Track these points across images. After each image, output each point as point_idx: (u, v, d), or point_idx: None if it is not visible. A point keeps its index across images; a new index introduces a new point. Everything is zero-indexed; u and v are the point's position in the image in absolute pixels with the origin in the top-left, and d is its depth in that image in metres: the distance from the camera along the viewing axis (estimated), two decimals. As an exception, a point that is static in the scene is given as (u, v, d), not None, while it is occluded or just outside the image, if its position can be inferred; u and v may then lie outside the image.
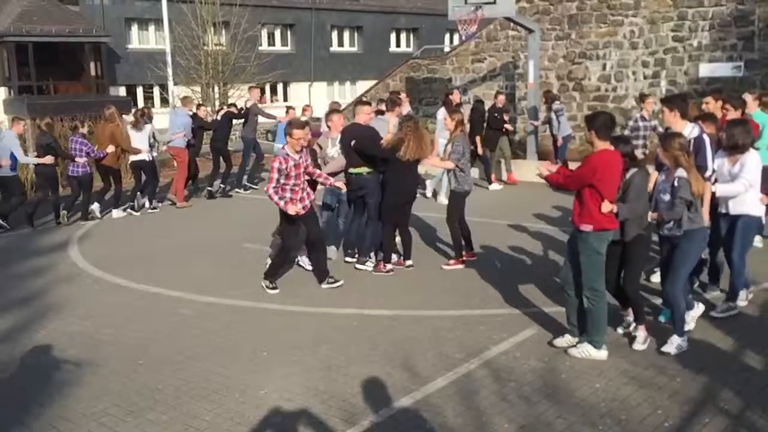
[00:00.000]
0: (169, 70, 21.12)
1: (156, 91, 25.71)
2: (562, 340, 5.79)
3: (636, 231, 5.59)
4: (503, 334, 6.13)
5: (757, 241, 8.52)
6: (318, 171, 7.87)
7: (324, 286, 7.64)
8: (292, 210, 7.33)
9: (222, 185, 13.84)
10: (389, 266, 8.13)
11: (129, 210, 12.20)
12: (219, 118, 14.17)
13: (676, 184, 5.44)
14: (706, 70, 15.24)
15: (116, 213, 12.07)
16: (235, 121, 14.60)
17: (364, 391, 5.14)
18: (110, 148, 11.73)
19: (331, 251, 8.90)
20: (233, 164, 14.14)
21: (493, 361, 5.58)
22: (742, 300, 6.66)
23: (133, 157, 12.12)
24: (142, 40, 30.67)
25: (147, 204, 12.44)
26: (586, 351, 5.57)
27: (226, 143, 14.04)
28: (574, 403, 4.87)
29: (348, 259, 8.57)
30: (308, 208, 7.58)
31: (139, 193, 12.40)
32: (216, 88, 22.35)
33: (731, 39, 14.85)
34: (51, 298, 7.64)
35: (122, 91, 28.99)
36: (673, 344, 5.59)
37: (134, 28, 30.40)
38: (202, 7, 22.24)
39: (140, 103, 28.37)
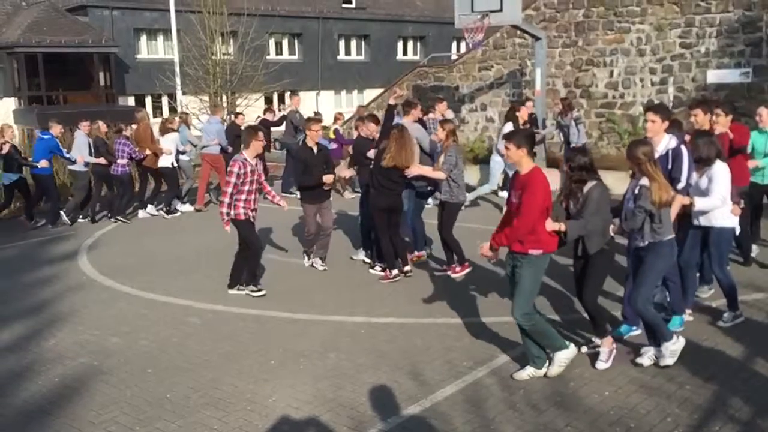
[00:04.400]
0: (178, 80, 21.27)
1: (164, 100, 25.85)
2: (524, 372, 5.40)
3: (599, 244, 5.34)
4: (511, 341, 6.12)
5: (755, 249, 8.44)
6: (268, 187, 8.16)
7: (232, 291, 7.89)
8: (228, 228, 7.61)
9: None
10: (395, 272, 8.13)
11: (162, 212, 12.76)
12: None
13: (636, 192, 5.30)
14: (713, 76, 15.17)
15: (145, 211, 12.72)
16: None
17: (372, 399, 5.14)
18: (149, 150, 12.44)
19: (360, 254, 9.05)
20: (269, 171, 14.57)
21: (501, 369, 5.57)
22: (704, 293, 6.91)
23: (159, 163, 12.61)
24: (151, 50, 30.86)
25: (162, 209, 12.84)
26: (562, 359, 5.37)
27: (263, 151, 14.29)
28: (582, 411, 4.86)
29: (365, 258, 8.79)
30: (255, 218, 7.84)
31: (175, 197, 13.11)
32: (224, 98, 22.46)
33: (739, 45, 14.80)
34: (61, 306, 7.67)
35: (131, 101, 29.16)
36: (666, 354, 5.40)
37: (143, 38, 30.60)
38: (210, 17, 22.36)
39: (149, 113, 28.51)
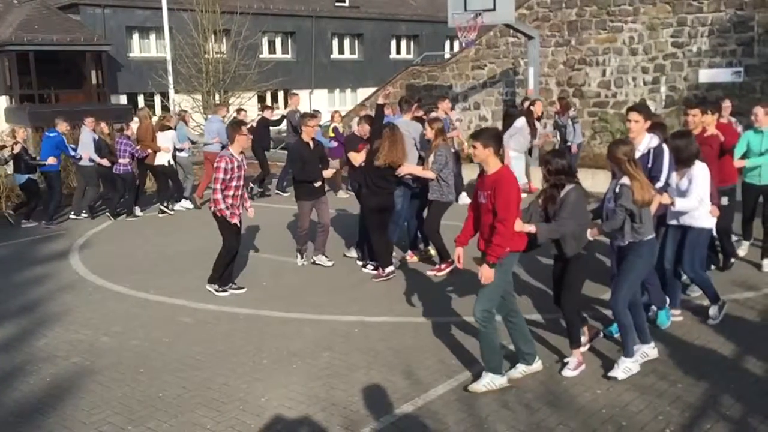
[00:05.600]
0: (170, 79, 21.21)
1: (157, 99, 25.78)
2: (516, 371, 5.37)
3: (576, 248, 5.28)
4: (503, 341, 6.11)
5: (743, 249, 8.45)
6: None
7: (219, 288, 7.85)
8: (235, 220, 7.62)
9: (260, 188, 14.41)
10: (388, 270, 8.14)
11: (162, 210, 12.87)
12: (255, 124, 14.57)
13: (617, 191, 5.20)
14: (705, 75, 15.25)
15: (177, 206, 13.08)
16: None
17: (365, 398, 5.14)
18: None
19: (353, 251, 9.12)
20: (269, 170, 14.74)
21: (494, 368, 5.57)
22: (695, 291, 6.93)
23: (155, 160, 12.71)
24: (143, 48, 30.78)
25: (167, 206, 12.97)
26: (492, 381, 5.15)
27: (262, 148, 14.34)
28: (575, 409, 4.87)
29: (358, 261, 8.74)
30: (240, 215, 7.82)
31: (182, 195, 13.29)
32: (217, 96, 22.41)
33: (731, 44, 14.87)
34: (52, 306, 7.64)
35: (123, 100, 29.07)
36: (620, 367, 5.28)
37: (135, 36, 30.51)
38: (202, 16, 22.32)
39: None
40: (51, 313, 7.41)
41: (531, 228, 5.16)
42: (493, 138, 5.11)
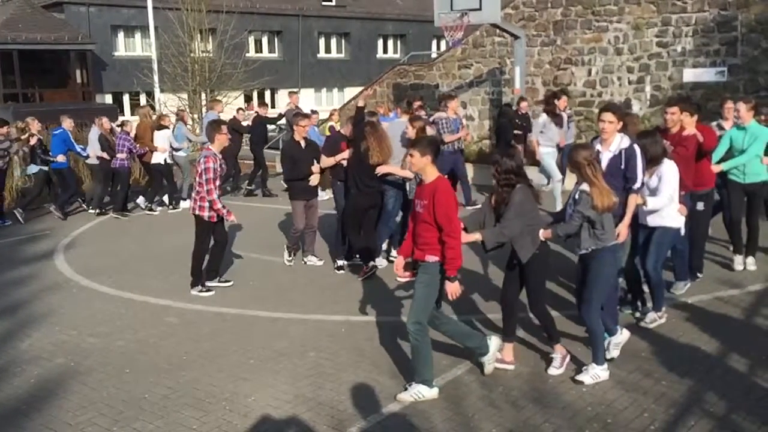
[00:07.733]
0: (156, 78, 21.12)
1: (142, 98, 25.65)
2: (489, 366, 5.37)
3: (530, 251, 5.20)
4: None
5: (738, 263, 8.41)
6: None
7: (210, 284, 7.85)
8: (232, 217, 7.65)
9: (249, 186, 14.38)
10: (371, 264, 8.16)
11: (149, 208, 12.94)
12: (251, 122, 14.58)
13: (576, 197, 5.11)
14: (689, 75, 15.37)
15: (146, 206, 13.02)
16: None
17: (353, 397, 5.15)
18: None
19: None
20: (267, 168, 14.68)
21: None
22: (679, 289, 6.79)
23: (152, 159, 12.77)
24: (129, 47, 30.60)
25: (147, 204, 12.97)
26: (420, 392, 5.04)
27: (259, 146, 14.36)
28: (560, 407, 4.90)
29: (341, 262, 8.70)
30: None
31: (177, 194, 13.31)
32: (203, 95, 22.33)
33: (714, 44, 14.99)
34: (37, 306, 7.58)
35: (108, 99, 28.89)
36: (588, 373, 5.25)
37: (120, 35, 30.33)
38: (188, 15, 22.23)
39: (126, 111, 28.35)
40: (36, 313, 7.35)
41: (476, 237, 5.12)
42: (430, 146, 5.04)
